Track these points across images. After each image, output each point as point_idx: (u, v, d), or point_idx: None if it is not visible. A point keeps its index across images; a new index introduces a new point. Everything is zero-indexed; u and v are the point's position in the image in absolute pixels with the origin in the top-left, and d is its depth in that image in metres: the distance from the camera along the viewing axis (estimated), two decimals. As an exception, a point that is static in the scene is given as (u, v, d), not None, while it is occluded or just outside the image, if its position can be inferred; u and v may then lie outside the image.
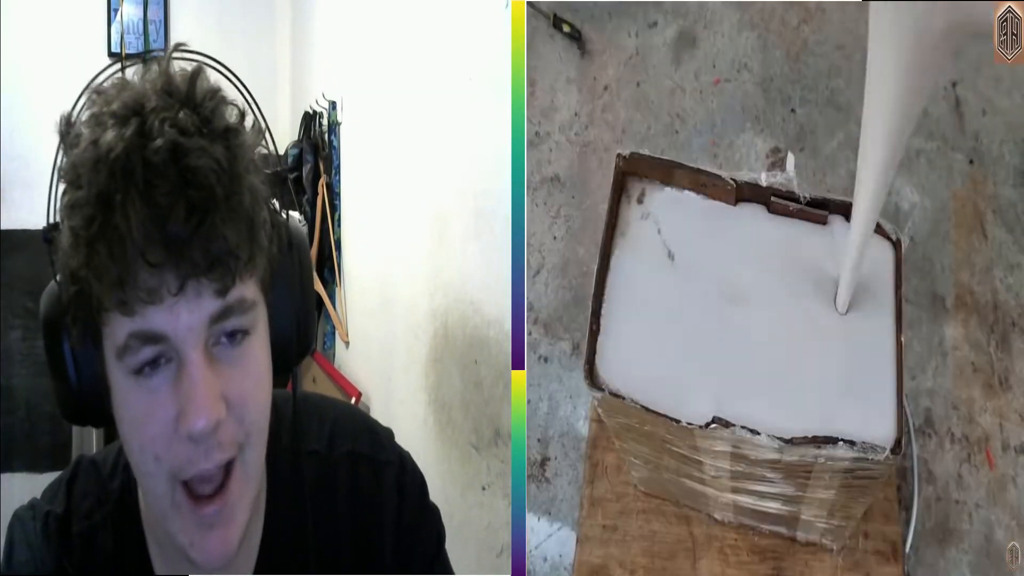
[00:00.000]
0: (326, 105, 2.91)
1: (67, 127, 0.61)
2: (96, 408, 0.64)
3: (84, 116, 0.61)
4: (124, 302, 0.57)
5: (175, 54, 0.63)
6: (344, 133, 2.84)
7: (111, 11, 3.52)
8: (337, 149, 2.87)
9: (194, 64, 0.63)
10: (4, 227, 3.33)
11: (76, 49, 3.46)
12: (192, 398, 0.59)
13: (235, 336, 0.62)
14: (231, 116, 0.62)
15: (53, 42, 3.43)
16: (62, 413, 0.66)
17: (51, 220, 0.61)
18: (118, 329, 0.59)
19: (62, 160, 0.60)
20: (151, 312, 0.58)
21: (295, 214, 0.74)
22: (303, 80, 3.41)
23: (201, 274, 0.58)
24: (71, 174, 0.59)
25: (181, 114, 0.58)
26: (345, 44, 2.82)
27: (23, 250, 3.33)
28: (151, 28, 3.54)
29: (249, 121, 0.64)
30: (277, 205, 0.69)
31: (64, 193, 0.59)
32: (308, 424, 0.79)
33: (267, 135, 0.66)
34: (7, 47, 3.36)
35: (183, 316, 0.58)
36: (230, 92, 0.65)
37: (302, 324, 0.71)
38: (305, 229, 0.75)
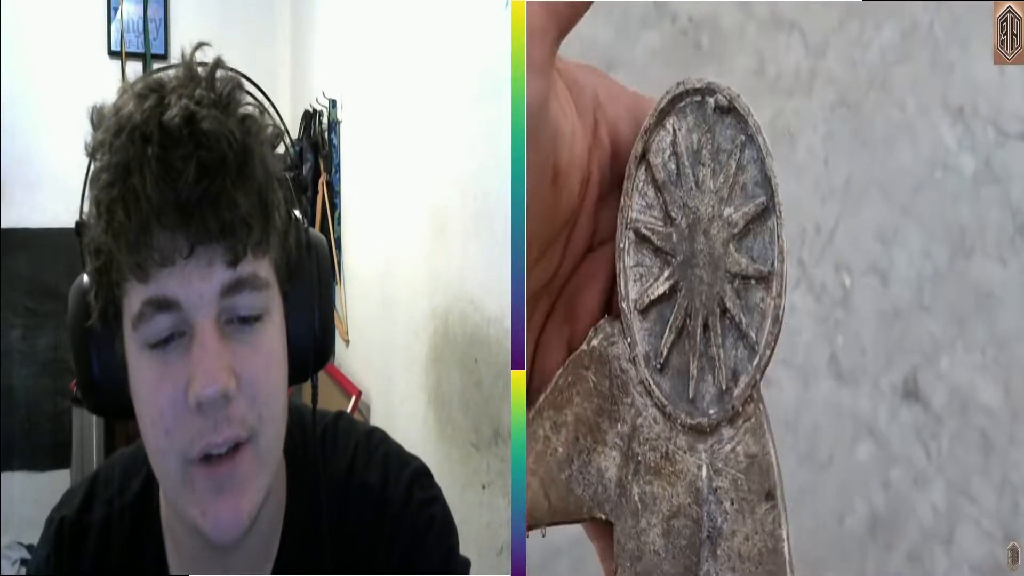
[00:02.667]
0: (326, 103, 2.91)
1: (97, 114, 0.63)
2: (117, 397, 0.65)
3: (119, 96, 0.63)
4: (140, 265, 0.59)
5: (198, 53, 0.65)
6: (344, 131, 2.84)
7: (111, 10, 3.52)
8: (337, 147, 2.87)
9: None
10: (4, 226, 3.33)
11: (76, 48, 3.46)
12: (201, 364, 0.59)
13: (248, 319, 0.62)
14: (248, 106, 0.64)
15: (53, 41, 3.43)
16: (86, 404, 0.68)
17: (82, 215, 0.63)
18: (134, 298, 0.60)
19: (90, 139, 0.62)
20: (164, 277, 0.59)
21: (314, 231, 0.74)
22: (303, 78, 3.41)
23: (212, 239, 0.59)
24: (96, 148, 0.61)
25: (198, 90, 0.60)
26: (345, 43, 2.82)
27: (23, 249, 3.34)
28: (151, 27, 3.54)
29: (267, 118, 0.66)
30: (298, 213, 0.70)
31: (91, 168, 0.62)
32: (333, 448, 0.78)
33: (286, 136, 0.68)
34: (7, 46, 3.36)
35: (195, 282, 0.59)
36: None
37: (321, 329, 0.70)
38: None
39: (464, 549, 0.80)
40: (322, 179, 2.90)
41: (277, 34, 3.71)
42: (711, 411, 0.39)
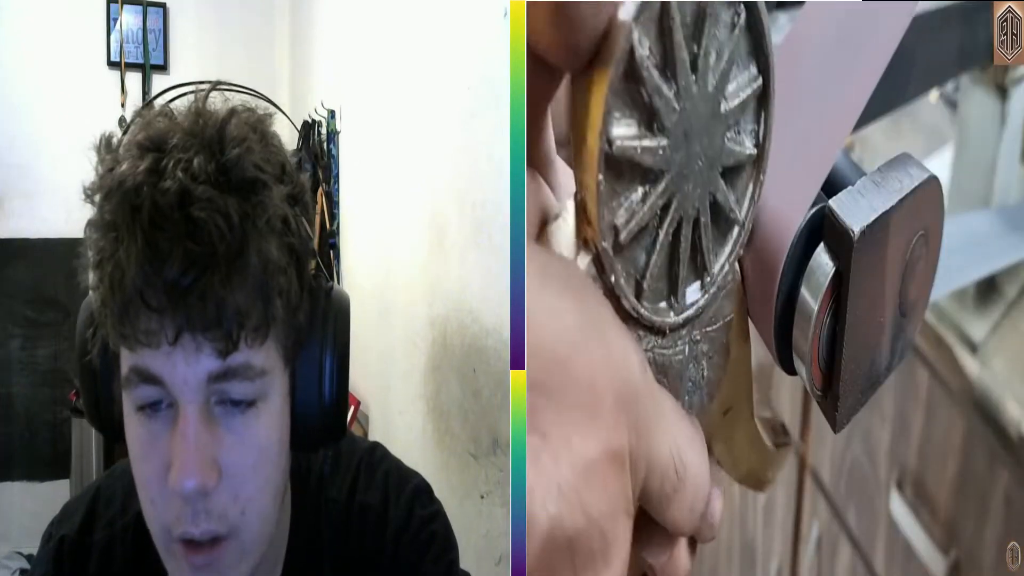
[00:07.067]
0: (325, 114, 2.92)
1: (106, 147, 0.60)
2: (120, 424, 0.62)
3: (124, 140, 0.59)
4: (124, 337, 0.56)
5: (219, 88, 0.62)
6: (343, 142, 2.84)
7: (110, 20, 3.53)
8: (336, 158, 2.88)
9: (234, 103, 0.61)
10: (3, 236, 3.34)
11: (75, 58, 3.47)
12: (180, 456, 0.56)
13: (239, 404, 0.59)
14: (260, 169, 0.58)
15: (52, 51, 3.43)
16: (91, 424, 0.66)
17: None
18: (123, 359, 0.58)
19: (88, 182, 0.59)
20: (150, 354, 0.56)
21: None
22: (302, 89, 3.42)
23: (198, 330, 0.55)
24: (91, 194, 0.58)
25: (197, 159, 0.56)
26: (344, 53, 2.82)
27: (22, 259, 3.34)
28: (150, 37, 3.55)
29: (284, 180, 0.61)
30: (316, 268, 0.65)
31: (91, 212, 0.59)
32: (334, 471, 0.77)
33: (305, 188, 0.64)
34: (6, 56, 3.37)
35: (180, 367, 0.56)
36: (281, 131, 0.63)
37: (331, 406, 0.66)
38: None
39: (462, 559, 0.80)
40: (321, 190, 2.90)
41: (276, 45, 3.72)
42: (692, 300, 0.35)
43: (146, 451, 0.58)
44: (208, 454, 0.57)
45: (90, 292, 0.62)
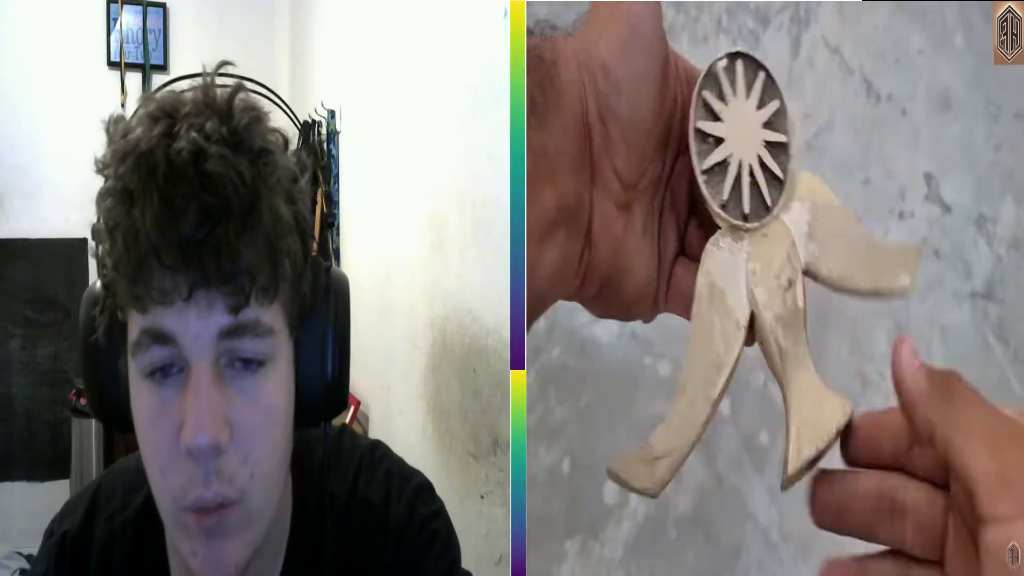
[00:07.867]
0: (325, 114, 2.92)
1: (112, 125, 0.61)
2: (123, 412, 0.63)
3: (133, 114, 0.61)
4: (138, 298, 0.57)
5: (221, 72, 0.63)
6: (343, 142, 2.84)
7: (110, 20, 3.53)
8: (336, 158, 2.88)
9: (236, 83, 0.63)
10: (3, 236, 3.34)
11: (75, 58, 3.47)
12: (193, 410, 0.57)
13: (249, 364, 0.60)
14: (267, 139, 0.61)
15: (52, 51, 3.44)
16: (93, 413, 0.67)
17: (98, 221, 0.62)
18: (134, 325, 0.59)
19: (101, 154, 0.61)
20: (163, 313, 0.58)
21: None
22: (302, 89, 3.42)
23: (212, 285, 0.57)
24: (104, 166, 0.60)
25: (210, 122, 0.58)
26: (344, 53, 2.83)
27: (22, 259, 3.34)
28: (150, 37, 3.55)
29: (291, 151, 0.64)
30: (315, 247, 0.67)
31: (102, 184, 0.60)
32: (336, 465, 0.78)
33: (306, 163, 0.65)
34: (6, 56, 3.37)
35: (192, 323, 0.58)
36: (278, 119, 0.64)
37: (333, 378, 0.68)
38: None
39: (463, 559, 0.80)
40: (320, 190, 2.90)
41: (276, 44, 3.73)
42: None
43: (156, 417, 0.59)
44: (220, 412, 0.58)
45: (97, 282, 0.63)
